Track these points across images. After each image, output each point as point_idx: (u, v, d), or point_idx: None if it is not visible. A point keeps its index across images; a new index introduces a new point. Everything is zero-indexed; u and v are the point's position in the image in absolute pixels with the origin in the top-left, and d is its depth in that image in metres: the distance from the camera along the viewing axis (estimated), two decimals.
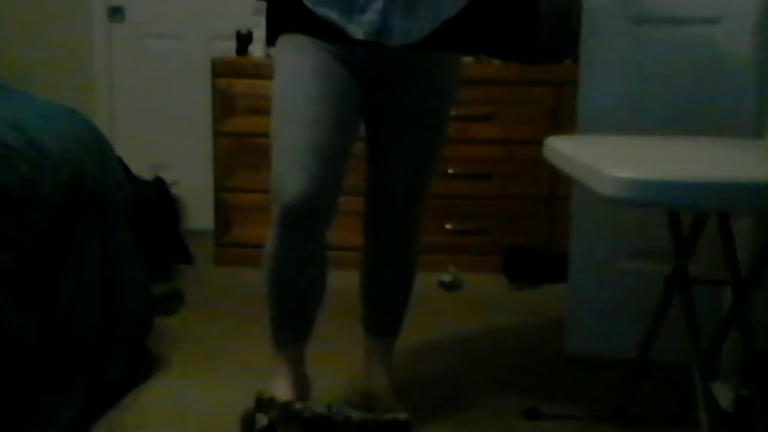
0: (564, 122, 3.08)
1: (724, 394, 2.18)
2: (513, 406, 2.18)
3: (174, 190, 3.70)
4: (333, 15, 1.78)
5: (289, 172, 1.79)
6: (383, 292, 2.14)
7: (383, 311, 2.16)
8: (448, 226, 3.41)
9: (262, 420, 1.90)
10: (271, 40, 1.94)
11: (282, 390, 1.98)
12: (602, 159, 1.55)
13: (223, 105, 3.39)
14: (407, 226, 2.03)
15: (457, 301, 3.05)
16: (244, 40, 3.46)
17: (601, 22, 2.33)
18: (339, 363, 2.38)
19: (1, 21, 3.92)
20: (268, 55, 3.44)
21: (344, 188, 1.88)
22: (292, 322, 2.02)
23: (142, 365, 2.34)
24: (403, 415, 1.92)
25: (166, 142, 3.97)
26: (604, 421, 2.11)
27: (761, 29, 2.20)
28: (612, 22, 2.32)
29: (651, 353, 2.00)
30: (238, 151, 3.41)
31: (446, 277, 3.18)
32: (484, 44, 1.96)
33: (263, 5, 3.45)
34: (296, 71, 1.83)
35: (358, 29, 1.77)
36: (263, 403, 1.93)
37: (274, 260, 1.91)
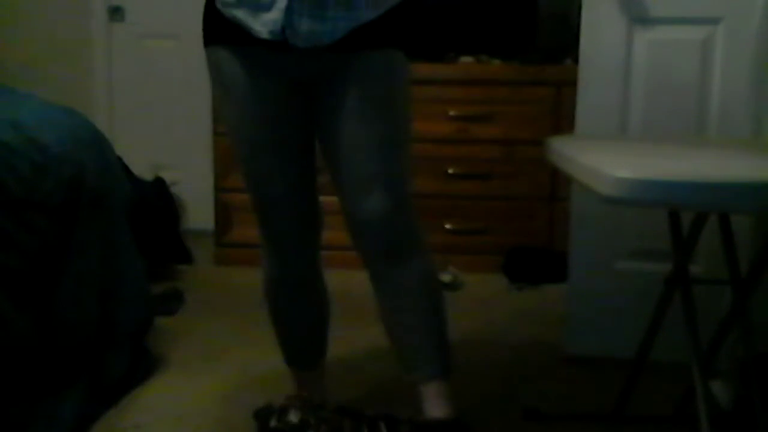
0: (564, 122, 3.08)
1: (724, 394, 2.18)
2: (513, 406, 2.18)
3: (174, 190, 3.70)
4: (240, 14, 1.72)
5: (265, 225, 1.88)
6: (400, 321, 1.84)
7: (409, 346, 1.84)
8: (448, 226, 3.41)
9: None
10: (204, 46, 1.88)
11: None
12: (602, 159, 1.55)
13: None
14: (394, 239, 1.78)
15: (457, 301, 3.05)
16: None
17: (601, 22, 2.33)
18: (340, 367, 2.38)
19: (1, 21, 3.92)
20: None
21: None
22: (297, 350, 2.02)
23: (142, 365, 2.34)
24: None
25: (166, 142, 3.97)
26: (604, 421, 2.11)
27: (761, 29, 2.20)
28: (612, 22, 2.32)
29: (651, 353, 2.00)
30: None
31: (446, 277, 3.18)
32: (403, 42, 1.78)
33: None
34: (231, 106, 1.81)
35: (263, 28, 1.69)
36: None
37: (269, 293, 1.95)
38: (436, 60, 3.40)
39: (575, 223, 2.45)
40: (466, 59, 3.47)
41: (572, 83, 2.45)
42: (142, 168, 3.53)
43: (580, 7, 2.36)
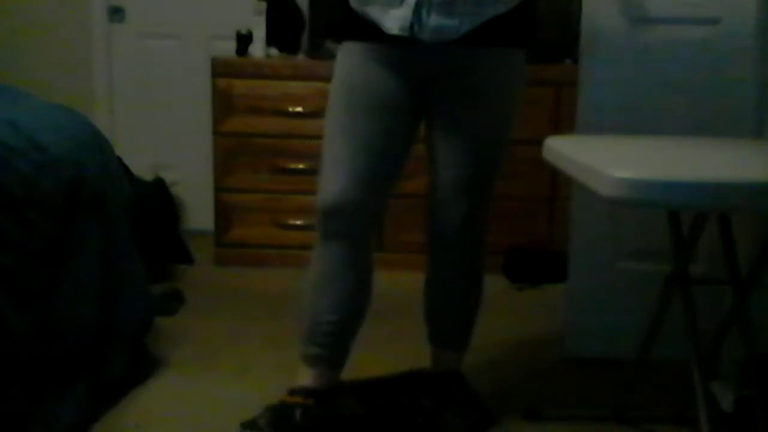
0: (564, 122, 3.08)
1: (724, 394, 2.18)
2: (513, 406, 2.18)
3: (174, 190, 3.70)
4: (372, 11, 1.81)
5: (333, 177, 1.89)
6: (445, 300, 2.09)
7: (445, 321, 2.10)
8: None
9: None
10: (335, 39, 1.96)
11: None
12: (602, 159, 1.55)
13: (223, 105, 3.39)
14: (465, 231, 1.99)
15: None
16: (244, 40, 3.46)
17: (601, 22, 2.33)
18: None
19: (1, 21, 3.92)
20: (268, 56, 3.45)
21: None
22: (324, 341, 1.96)
23: (142, 365, 2.34)
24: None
25: (166, 142, 3.97)
26: (604, 421, 2.11)
27: (761, 29, 2.20)
28: (612, 22, 2.32)
29: (651, 353, 2.00)
30: (238, 151, 3.41)
31: None
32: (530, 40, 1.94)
33: (263, 5, 3.48)
34: (347, 90, 1.88)
35: (393, 24, 1.78)
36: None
37: (313, 269, 1.97)
38: None
39: (575, 223, 2.45)
40: None
41: (572, 83, 2.45)
42: (142, 168, 3.53)
43: (580, 7, 2.36)
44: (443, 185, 1.95)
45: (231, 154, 3.42)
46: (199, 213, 3.82)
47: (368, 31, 1.84)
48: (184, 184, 3.82)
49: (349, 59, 1.90)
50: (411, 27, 1.77)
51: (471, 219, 1.98)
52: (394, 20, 1.78)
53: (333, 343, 1.97)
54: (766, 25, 2.19)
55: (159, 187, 3.57)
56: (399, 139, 1.91)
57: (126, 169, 3.02)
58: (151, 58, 3.97)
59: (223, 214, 3.47)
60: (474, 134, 1.90)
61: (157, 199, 3.46)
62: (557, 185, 3.31)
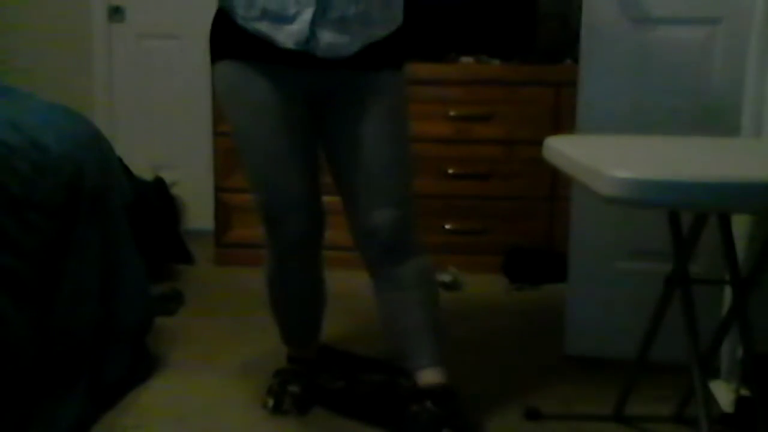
0: (564, 122, 3.08)
1: (724, 394, 2.18)
2: (513, 406, 2.18)
3: (174, 190, 3.70)
4: (263, 28, 1.83)
5: (275, 216, 1.96)
6: (399, 315, 1.99)
7: (407, 337, 1.98)
8: (448, 226, 3.41)
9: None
10: (212, 60, 1.98)
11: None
12: (602, 159, 1.55)
13: None
14: (398, 244, 1.94)
15: (457, 301, 3.05)
16: None
17: (601, 22, 2.33)
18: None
19: (0, 21, 3.92)
20: None
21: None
22: (296, 331, 2.25)
23: (142, 365, 2.34)
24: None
25: (166, 142, 3.97)
26: (604, 421, 2.11)
27: (761, 29, 2.20)
28: (612, 22, 2.32)
29: (651, 353, 2.00)
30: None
31: (446, 277, 3.18)
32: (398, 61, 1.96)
33: None
34: (246, 118, 1.92)
35: (287, 38, 1.81)
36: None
37: (274, 285, 2.12)
38: (436, 60, 3.41)
39: (575, 223, 2.45)
40: (466, 59, 3.47)
41: (572, 83, 2.45)
42: (142, 168, 3.53)
43: (580, 7, 2.36)
44: (358, 201, 1.94)
45: (231, 154, 3.42)
46: (199, 213, 3.82)
47: (256, 49, 1.86)
48: (184, 184, 3.82)
49: (235, 77, 1.90)
50: (306, 41, 1.80)
51: (398, 228, 1.93)
52: (288, 35, 1.81)
53: (306, 333, 2.25)
54: (767, 26, 2.19)
55: (159, 187, 3.57)
56: (307, 152, 1.96)
57: (126, 169, 3.02)
58: (151, 58, 3.97)
59: (223, 214, 3.47)
60: (370, 147, 1.91)
61: (157, 199, 3.46)
62: (557, 185, 3.31)
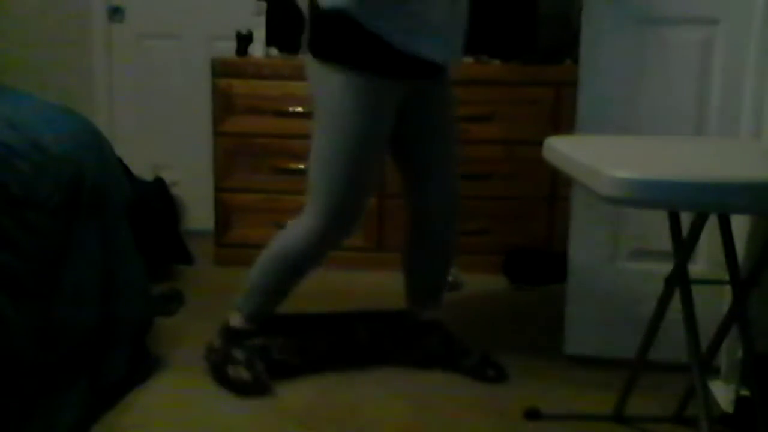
0: (564, 122, 3.08)
1: (724, 394, 2.18)
2: (513, 406, 2.18)
3: (174, 190, 3.70)
4: (417, 45, 2.07)
5: (344, 206, 2.18)
6: (434, 265, 2.43)
7: (429, 284, 2.45)
8: None
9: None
10: (335, 63, 2.11)
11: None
12: (602, 159, 1.55)
13: (223, 105, 3.39)
14: (455, 206, 2.37)
15: (457, 301, 3.05)
16: (244, 40, 3.46)
17: (601, 22, 2.33)
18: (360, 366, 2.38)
19: (0, 21, 3.92)
20: (268, 56, 3.45)
21: None
22: (276, 305, 2.36)
23: (142, 365, 2.34)
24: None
25: (166, 142, 3.97)
26: (604, 421, 2.11)
27: (761, 29, 2.20)
28: (612, 22, 2.32)
29: (651, 353, 2.00)
30: (238, 151, 3.41)
31: None
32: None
33: (263, 6, 3.48)
34: (366, 127, 2.14)
35: (437, 53, 2.12)
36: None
37: (299, 257, 2.25)
38: None
39: (575, 223, 2.45)
40: (466, 59, 3.47)
41: (572, 83, 2.45)
42: (142, 168, 3.53)
43: (580, 7, 2.36)
44: (436, 175, 2.33)
45: (231, 154, 3.42)
46: (199, 213, 3.82)
47: (399, 65, 2.09)
48: (184, 184, 3.82)
49: (368, 88, 2.10)
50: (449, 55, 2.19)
51: (458, 195, 2.36)
52: (438, 50, 2.12)
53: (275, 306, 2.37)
54: (766, 26, 2.19)
55: (159, 187, 3.56)
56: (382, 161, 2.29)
57: (126, 169, 3.02)
58: (151, 58, 3.97)
59: (223, 214, 3.47)
60: (448, 126, 2.36)
61: (157, 199, 3.46)
62: (557, 185, 3.31)
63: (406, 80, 2.15)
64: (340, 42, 2.10)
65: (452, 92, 2.35)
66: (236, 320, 2.33)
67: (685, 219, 1.76)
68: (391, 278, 2.67)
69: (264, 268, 2.30)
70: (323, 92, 2.15)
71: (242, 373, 2.24)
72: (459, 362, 2.40)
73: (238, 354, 2.27)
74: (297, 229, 2.24)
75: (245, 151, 3.40)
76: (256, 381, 2.23)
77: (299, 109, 3.29)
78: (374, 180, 2.26)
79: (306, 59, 2.20)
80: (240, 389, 2.23)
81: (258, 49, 3.43)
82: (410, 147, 2.31)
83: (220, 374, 2.27)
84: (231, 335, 2.32)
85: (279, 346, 2.35)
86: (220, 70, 3.39)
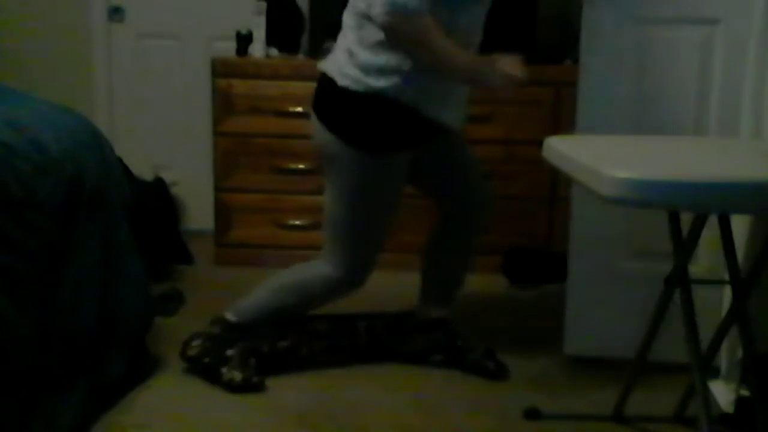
0: (564, 122, 3.08)
1: (724, 394, 2.18)
2: (513, 406, 2.18)
3: (174, 190, 3.70)
4: (444, 117, 2.19)
5: (362, 262, 2.27)
6: (453, 266, 2.50)
7: (447, 284, 2.51)
8: None
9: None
10: (372, 148, 2.18)
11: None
12: (602, 159, 1.55)
13: (223, 105, 3.39)
14: (490, 208, 2.49)
15: (456, 301, 3.05)
16: (244, 40, 3.46)
17: (601, 22, 2.33)
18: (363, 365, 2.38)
19: (0, 21, 3.92)
20: (268, 56, 3.45)
21: None
22: (270, 321, 2.38)
23: (142, 365, 2.34)
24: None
25: (166, 142, 3.97)
26: (604, 421, 2.11)
27: (761, 29, 2.20)
28: (612, 22, 2.32)
29: (651, 353, 2.00)
30: (238, 152, 3.41)
31: None
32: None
33: (263, 5, 3.48)
34: (390, 195, 2.26)
35: (456, 122, 2.25)
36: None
37: (310, 297, 2.34)
38: None
39: (575, 223, 2.45)
40: None
41: (572, 83, 2.45)
42: (142, 168, 3.53)
43: (580, 7, 2.36)
44: (469, 192, 2.45)
45: (231, 154, 3.42)
46: (199, 213, 3.82)
47: (425, 134, 2.22)
48: (184, 184, 3.82)
49: (396, 163, 2.21)
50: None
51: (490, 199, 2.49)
52: (456, 119, 2.25)
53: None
54: (766, 26, 2.19)
55: (159, 187, 3.56)
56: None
57: (126, 169, 3.02)
58: (150, 58, 3.97)
59: (223, 214, 3.47)
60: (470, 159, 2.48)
61: (157, 199, 3.46)
62: (557, 185, 3.31)
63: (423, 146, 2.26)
64: (369, 125, 2.15)
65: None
66: (231, 317, 2.34)
67: (685, 219, 1.77)
68: (394, 279, 2.67)
69: (272, 291, 2.36)
70: (337, 163, 2.19)
71: (234, 375, 2.24)
72: (462, 357, 2.42)
73: (231, 353, 2.28)
74: (316, 272, 2.30)
75: (245, 151, 3.40)
76: (245, 382, 2.24)
77: (299, 109, 3.29)
78: (389, 232, 2.33)
79: (314, 121, 2.23)
80: (233, 389, 2.24)
81: (258, 49, 3.43)
82: (433, 182, 2.41)
83: (214, 375, 2.27)
84: (226, 328, 2.33)
85: (275, 342, 2.37)
86: (220, 70, 3.39)
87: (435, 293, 2.51)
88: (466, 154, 2.45)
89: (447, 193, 2.44)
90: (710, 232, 1.91)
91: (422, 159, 2.29)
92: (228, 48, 3.55)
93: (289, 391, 2.27)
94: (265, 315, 2.35)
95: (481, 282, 3.24)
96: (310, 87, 2.30)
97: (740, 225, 2.09)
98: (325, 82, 2.17)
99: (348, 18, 2.15)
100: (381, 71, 2.07)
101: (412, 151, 2.23)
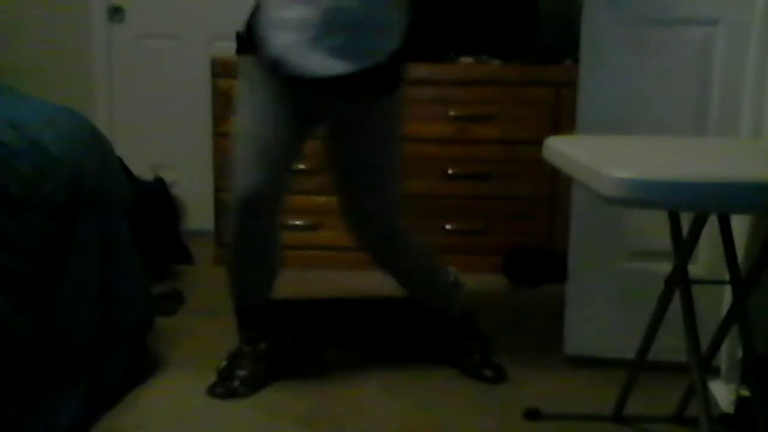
0: (564, 122, 3.08)
1: (724, 394, 2.18)
2: (513, 406, 2.18)
3: (174, 190, 3.70)
4: (277, 41, 2.15)
5: (241, 172, 2.16)
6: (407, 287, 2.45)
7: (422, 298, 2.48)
8: (448, 226, 3.41)
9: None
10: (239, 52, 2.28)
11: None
12: (602, 159, 1.55)
13: (223, 105, 3.38)
14: (389, 237, 2.31)
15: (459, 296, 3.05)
16: None
17: (601, 22, 2.33)
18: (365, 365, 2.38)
19: (0, 22, 3.92)
20: None
21: None
22: (251, 291, 2.33)
23: (142, 365, 2.34)
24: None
25: (166, 142, 3.97)
26: (604, 421, 2.11)
27: (761, 29, 2.20)
28: (612, 22, 2.32)
29: (651, 353, 2.00)
30: None
31: None
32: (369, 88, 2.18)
33: None
34: (251, 100, 2.23)
35: (313, 65, 2.08)
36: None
37: (236, 239, 2.21)
38: (436, 60, 3.40)
39: (575, 223, 2.45)
40: (466, 59, 3.47)
41: (572, 83, 2.45)
42: (142, 168, 3.53)
43: (580, 7, 2.36)
44: (360, 199, 2.28)
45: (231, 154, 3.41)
46: (199, 213, 3.82)
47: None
48: (184, 184, 3.82)
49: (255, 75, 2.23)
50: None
51: (388, 223, 2.30)
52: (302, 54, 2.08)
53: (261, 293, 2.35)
54: (766, 26, 2.19)
55: (159, 187, 3.56)
56: (289, 144, 2.21)
57: (126, 169, 3.02)
58: (150, 58, 3.97)
59: (223, 214, 3.47)
60: (360, 163, 2.23)
61: (157, 199, 3.46)
62: (557, 185, 3.31)
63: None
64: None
65: (384, 125, 2.26)
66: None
67: (685, 219, 1.76)
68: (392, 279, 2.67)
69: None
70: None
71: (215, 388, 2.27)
72: (460, 360, 2.41)
73: (223, 367, 2.30)
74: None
75: None
76: (228, 391, 2.25)
77: None
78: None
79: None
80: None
81: None
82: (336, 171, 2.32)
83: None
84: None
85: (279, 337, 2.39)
86: (220, 70, 3.39)
87: (423, 296, 2.50)
88: (357, 154, 2.25)
89: (338, 191, 2.34)
90: (710, 232, 1.91)
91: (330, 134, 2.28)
92: (228, 48, 3.54)
93: (289, 391, 2.27)
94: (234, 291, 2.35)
95: (481, 282, 3.25)
96: None
97: (740, 225, 2.09)
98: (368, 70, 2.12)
99: None
100: None
101: None
